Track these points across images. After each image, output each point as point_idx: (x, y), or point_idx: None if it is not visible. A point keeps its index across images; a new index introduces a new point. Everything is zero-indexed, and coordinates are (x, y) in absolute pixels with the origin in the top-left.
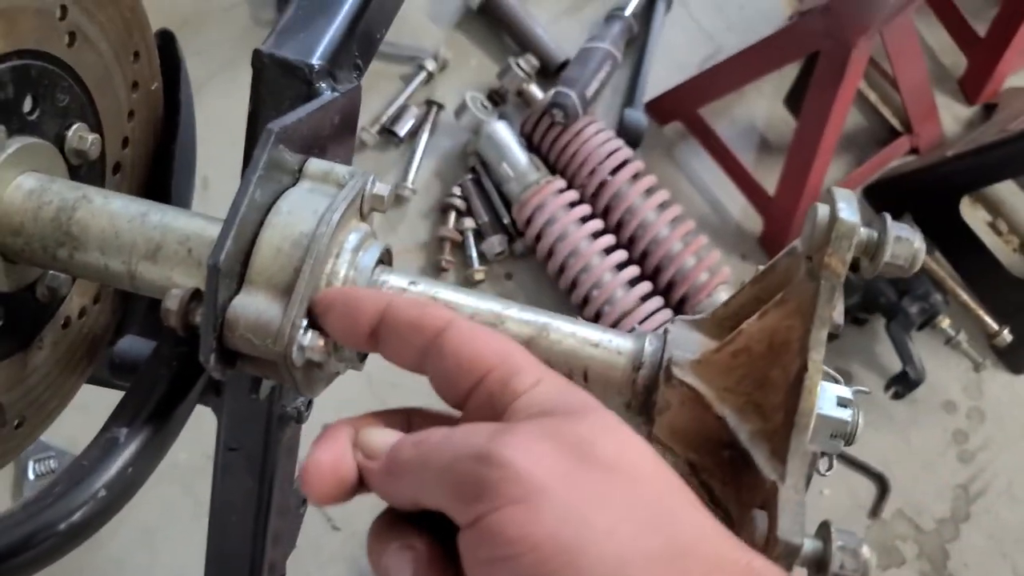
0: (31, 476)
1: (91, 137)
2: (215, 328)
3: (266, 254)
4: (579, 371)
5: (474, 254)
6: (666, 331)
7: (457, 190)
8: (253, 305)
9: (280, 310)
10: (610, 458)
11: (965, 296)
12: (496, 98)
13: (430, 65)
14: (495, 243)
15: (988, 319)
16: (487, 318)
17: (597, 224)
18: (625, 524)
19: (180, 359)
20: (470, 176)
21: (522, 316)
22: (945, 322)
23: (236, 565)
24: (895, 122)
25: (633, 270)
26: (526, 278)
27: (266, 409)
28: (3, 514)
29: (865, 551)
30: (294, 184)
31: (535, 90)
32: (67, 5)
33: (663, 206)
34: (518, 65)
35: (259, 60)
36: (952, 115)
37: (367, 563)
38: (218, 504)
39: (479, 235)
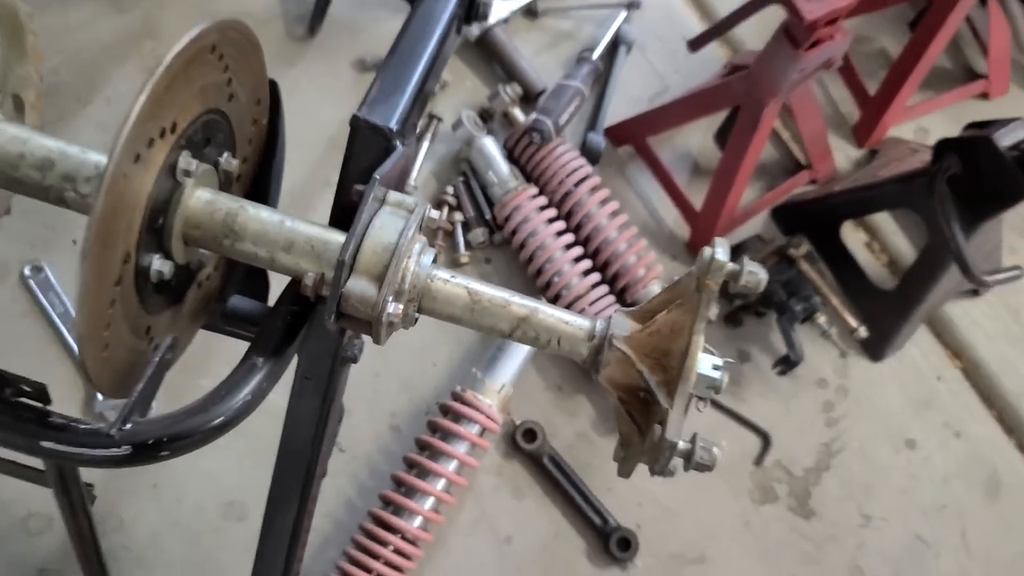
0: (99, 396)
1: (235, 162)
2: (337, 299)
3: (368, 255)
4: (555, 338)
5: (461, 241)
6: (610, 318)
7: (450, 189)
8: (359, 286)
9: (376, 290)
10: None
11: (835, 300)
12: (486, 116)
13: None
14: (479, 234)
15: (850, 318)
16: (498, 299)
17: (561, 225)
18: None
19: (291, 315)
20: (461, 178)
21: (523, 301)
22: (821, 318)
23: (300, 459)
24: (801, 157)
25: (586, 263)
26: (502, 263)
27: (334, 351)
28: (186, 407)
29: (716, 451)
30: (380, 207)
31: (518, 113)
32: (232, 79)
33: (614, 214)
34: (505, 91)
35: (356, 122)
36: (845, 155)
37: (365, 478)
38: (291, 416)
39: (466, 226)
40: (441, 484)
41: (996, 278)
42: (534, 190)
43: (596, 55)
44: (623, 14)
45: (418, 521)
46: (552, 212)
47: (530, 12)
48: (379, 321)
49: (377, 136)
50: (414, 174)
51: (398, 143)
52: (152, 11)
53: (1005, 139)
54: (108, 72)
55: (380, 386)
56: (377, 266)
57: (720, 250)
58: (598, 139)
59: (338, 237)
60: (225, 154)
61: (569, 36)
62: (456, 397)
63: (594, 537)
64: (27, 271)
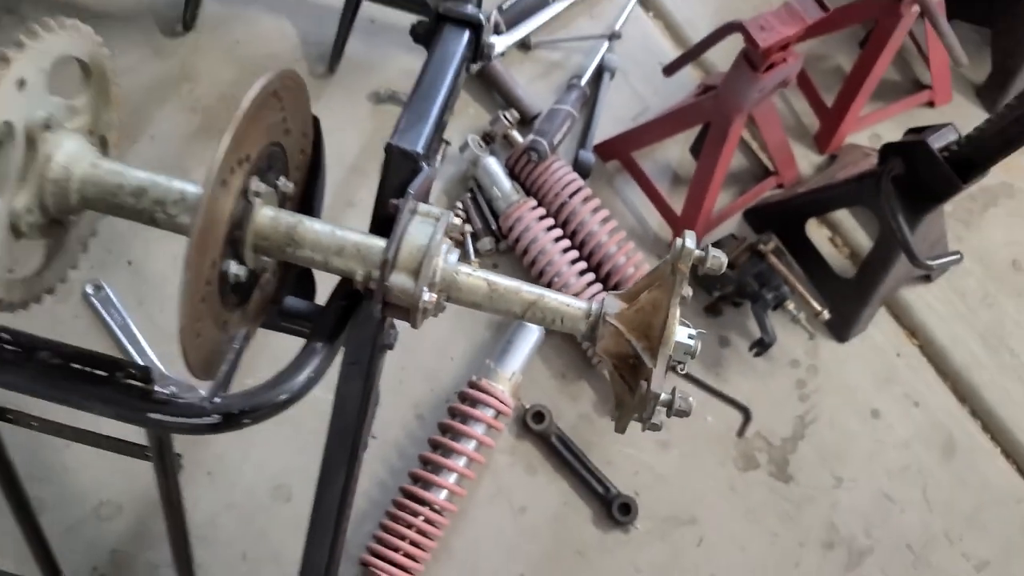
0: None
1: (290, 184)
2: (382, 290)
3: (405, 254)
4: (559, 317)
5: (471, 249)
6: (603, 299)
7: (459, 204)
8: (400, 280)
9: (413, 283)
10: None
11: (802, 288)
12: (488, 139)
13: None
14: (486, 242)
15: (815, 303)
16: (512, 287)
17: (558, 232)
18: None
19: (342, 309)
20: (469, 194)
21: (531, 288)
22: (791, 305)
23: (346, 434)
24: (768, 164)
25: (582, 264)
26: (507, 268)
27: (374, 340)
28: (260, 384)
29: (691, 400)
30: (413, 217)
31: (516, 135)
32: (286, 117)
33: (604, 220)
34: (504, 116)
35: (389, 148)
36: (808, 161)
37: (395, 461)
38: (339, 397)
39: (475, 236)
40: (463, 462)
41: (938, 262)
42: (534, 202)
43: (583, 81)
44: (606, 44)
45: (444, 494)
46: (550, 221)
47: (523, 45)
48: (416, 308)
49: (407, 159)
50: None
51: (424, 164)
52: (188, 57)
53: (938, 142)
54: (151, 112)
55: (405, 379)
56: (413, 263)
57: (689, 240)
58: (588, 155)
59: (379, 242)
60: (282, 178)
61: (558, 65)
62: (472, 385)
63: (598, 504)
64: (89, 290)
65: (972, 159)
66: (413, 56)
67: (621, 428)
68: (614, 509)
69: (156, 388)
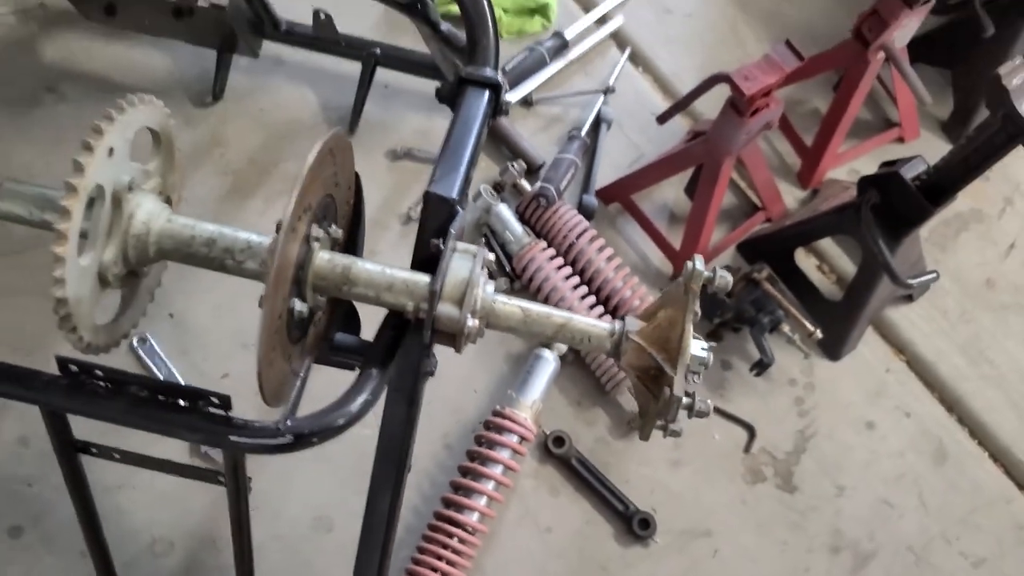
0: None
1: (340, 231)
2: (432, 319)
3: (450, 287)
4: (587, 337)
5: None
6: (624, 319)
7: None
8: (446, 310)
9: (458, 311)
10: None
11: (795, 311)
12: (499, 188)
13: None
14: (502, 283)
15: (808, 324)
16: (543, 312)
17: (568, 270)
18: None
19: (391, 338)
20: (483, 239)
21: (560, 313)
22: (786, 328)
23: (392, 456)
24: (756, 201)
25: (591, 299)
26: None
27: (416, 368)
28: (324, 408)
29: (709, 403)
30: (453, 253)
31: (524, 183)
32: (336, 171)
33: (610, 258)
34: (513, 167)
35: (428, 195)
36: (793, 196)
37: (427, 488)
38: (385, 422)
39: (491, 276)
40: (491, 485)
41: (917, 280)
42: (544, 244)
43: (583, 132)
44: (602, 98)
45: (475, 516)
46: (560, 261)
47: (526, 102)
48: (461, 333)
49: (444, 204)
50: None
51: (459, 208)
52: (217, 125)
53: (909, 172)
54: (188, 176)
55: (433, 412)
56: (457, 294)
57: (698, 263)
58: (591, 199)
59: (423, 278)
60: (333, 224)
61: (558, 119)
62: (497, 413)
63: (619, 521)
64: (135, 342)
65: (941, 185)
66: (424, 116)
67: (645, 435)
68: (634, 525)
69: (233, 415)
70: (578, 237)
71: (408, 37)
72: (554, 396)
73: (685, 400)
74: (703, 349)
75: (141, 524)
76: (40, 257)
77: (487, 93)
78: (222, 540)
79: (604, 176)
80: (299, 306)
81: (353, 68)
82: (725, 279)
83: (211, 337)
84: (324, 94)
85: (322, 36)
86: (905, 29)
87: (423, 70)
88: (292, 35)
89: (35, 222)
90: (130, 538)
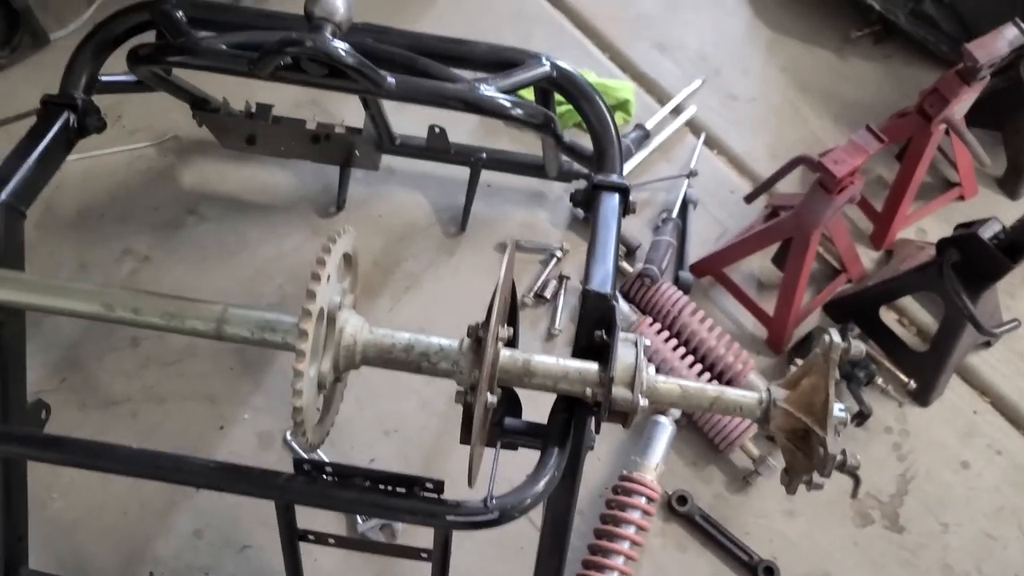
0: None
1: (511, 328)
2: (609, 401)
3: (620, 371)
4: (739, 407)
5: None
6: (769, 389)
7: None
8: (620, 392)
9: (630, 393)
10: None
11: (888, 364)
12: None
13: (558, 253)
14: None
15: (901, 375)
16: (698, 388)
17: (674, 342)
18: None
19: (563, 420)
20: None
21: (713, 387)
22: (879, 380)
23: (561, 522)
24: (837, 264)
25: (698, 367)
26: None
27: (581, 442)
28: (518, 487)
29: (858, 457)
30: (619, 342)
31: (626, 265)
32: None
33: (711, 328)
34: None
35: (585, 293)
36: (868, 257)
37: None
38: (553, 494)
39: None
40: (627, 545)
41: (1002, 329)
42: (650, 320)
43: (675, 213)
44: (686, 181)
45: None
46: (666, 334)
47: None
48: (635, 412)
49: (600, 299)
50: (557, 321)
51: (614, 303)
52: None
53: (986, 233)
54: None
55: None
56: (628, 377)
57: (835, 335)
58: (687, 275)
59: (590, 365)
60: (504, 324)
61: (647, 203)
62: (624, 478)
63: (744, 571)
64: (288, 436)
65: (1016, 243)
66: (525, 211)
67: (792, 489)
68: (759, 573)
69: (445, 498)
70: (680, 311)
71: (505, 139)
72: (672, 458)
73: (839, 457)
74: (840, 410)
75: None
76: (194, 366)
77: (617, 196)
78: None
79: (695, 252)
80: (491, 398)
81: (455, 171)
82: (860, 348)
83: (355, 427)
84: (433, 197)
85: (434, 147)
86: (964, 103)
87: (525, 169)
88: (406, 147)
89: (254, 341)
90: None
